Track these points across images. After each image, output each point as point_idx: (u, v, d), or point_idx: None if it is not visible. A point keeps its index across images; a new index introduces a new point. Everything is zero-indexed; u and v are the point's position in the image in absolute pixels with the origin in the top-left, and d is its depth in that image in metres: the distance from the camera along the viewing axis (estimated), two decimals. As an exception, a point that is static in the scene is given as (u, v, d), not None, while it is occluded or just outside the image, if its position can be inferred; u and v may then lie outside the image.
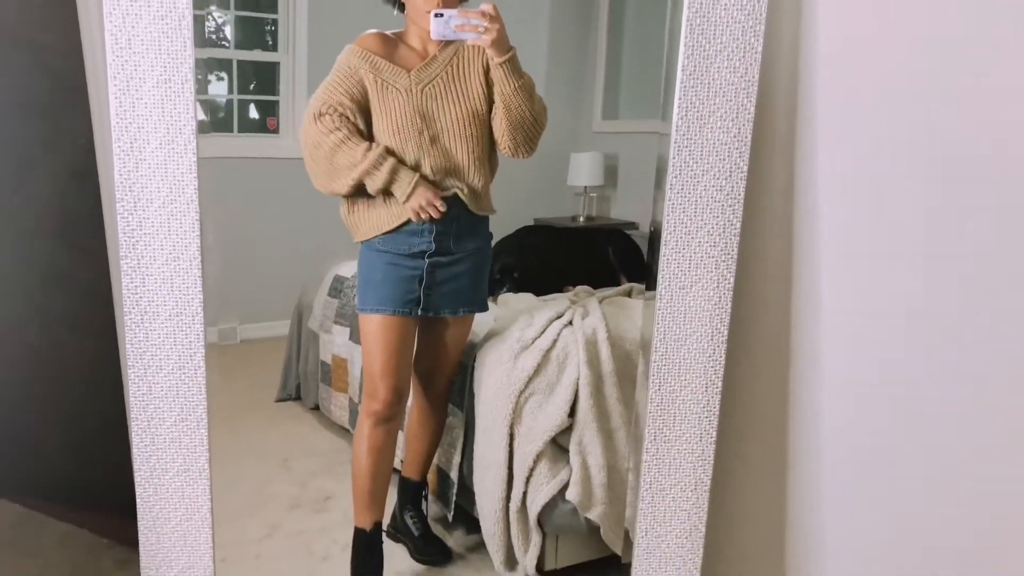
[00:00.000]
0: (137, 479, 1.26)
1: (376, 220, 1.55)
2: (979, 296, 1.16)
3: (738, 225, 1.26)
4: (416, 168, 1.51)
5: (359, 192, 1.54)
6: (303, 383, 2.02)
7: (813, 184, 1.31)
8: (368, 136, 1.52)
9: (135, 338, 1.22)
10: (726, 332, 1.28)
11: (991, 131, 1.12)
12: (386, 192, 1.52)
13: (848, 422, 1.33)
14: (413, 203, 1.51)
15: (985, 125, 1.12)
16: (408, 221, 1.54)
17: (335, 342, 1.91)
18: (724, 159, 1.24)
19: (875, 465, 1.30)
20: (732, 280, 1.26)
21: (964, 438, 1.20)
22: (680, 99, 1.22)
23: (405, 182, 1.50)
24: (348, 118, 1.50)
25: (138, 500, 1.26)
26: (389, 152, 1.50)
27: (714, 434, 1.32)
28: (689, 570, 1.35)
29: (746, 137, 1.23)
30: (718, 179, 1.24)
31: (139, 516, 1.27)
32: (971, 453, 1.20)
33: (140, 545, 1.28)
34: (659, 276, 1.26)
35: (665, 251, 1.26)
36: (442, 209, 1.52)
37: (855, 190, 1.27)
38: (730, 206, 1.25)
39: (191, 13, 1.16)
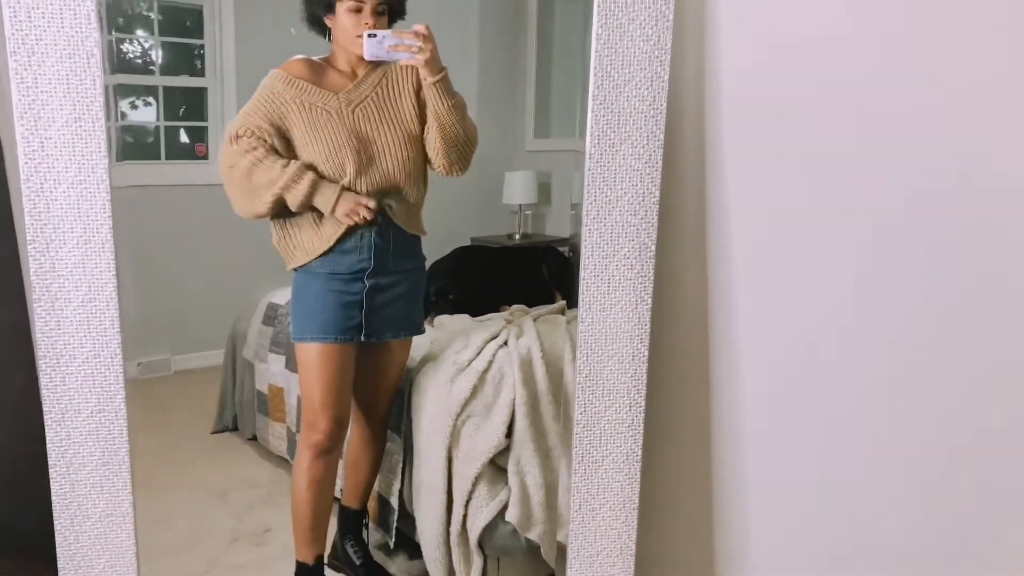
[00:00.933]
0: (57, 526, 1.22)
1: (311, 243, 1.54)
2: (884, 301, 1.21)
3: (653, 248, 1.29)
4: (351, 189, 1.50)
5: (283, 214, 1.52)
6: (239, 414, 1.98)
7: (724, 206, 1.34)
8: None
9: (51, 382, 1.19)
10: (647, 352, 1.31)
11: (892, 147, 1.17)
12: (310, 207, 1.50)
13: (768, 433, 1.37)
14: (341, 210, 1.50)
15: (886, 141, 1.18)
16: (344, 236, 1.52)
17: (271, 371, 1.88)
18: (637, 185, 1.27)
19: (798, 474, 1.34)
20: (649, 301, 1.29)
21: (874, 436, 1.25)
22: (592, 127, 1.24)
23: (328, 192, 1.49)
24: (264, 140, 1.48)
25: (58, 549, 1.23)
26: (308, 167, 1.49)
27: (640, 452, 1.34)
28: (621, 587, 1.37)
29: (657, 163, 1.26)
30: (632, 204, 1.27)
31: (59, 564, 1.23)
32: (881, 450, 1.25)
33: (61, 594, 1.25)
34: (579, 301, 1.28)
35: (584, 274, 1.28)
36: (372, 206, 1.51)
37: (764, 210, 1.31)
38: (644, 230, 1.28)
39: (100, 49, 1.15)
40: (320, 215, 1.52)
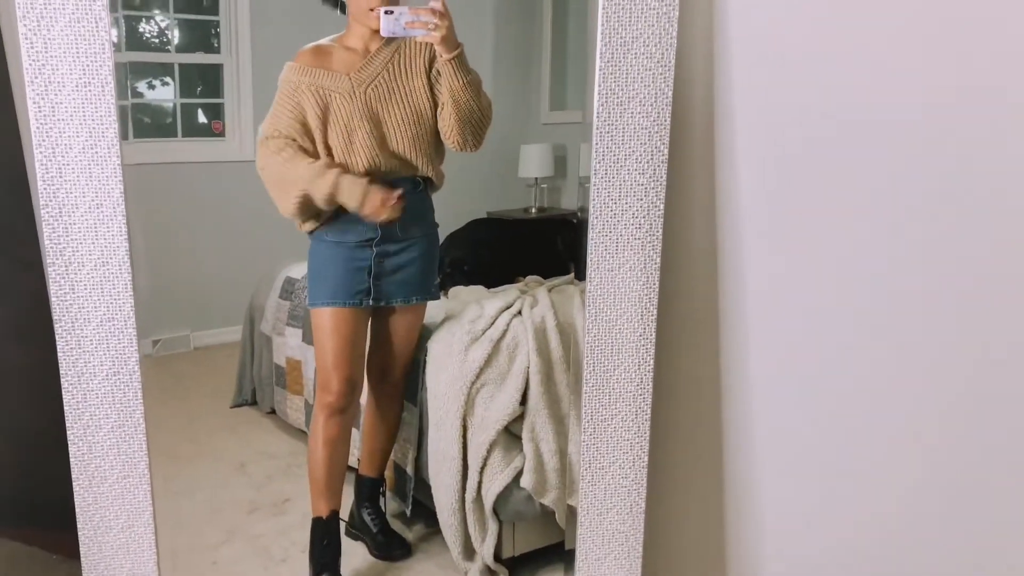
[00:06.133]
0: (76, 488, 1.25)
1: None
2: (905, 275, 1.19)
3: (661, 208, 1.28)
4: (369, 174, 1.53)
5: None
6: (258, 387, 2.01)
7: (733, 164, 1.33)
8: (327, 153, 1.54)
9: (67, 345, 1.21)
10: (655, 312, 1.31)
11: (901, 107, 1.16)
12: (336, 205, 1.53)
13: (777, 392, 1.36)
14: (368, 209, 1.53)
15: (903, 98, 1.16)
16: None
17: (288, 344, 1.90)
18: (645, 143, 1.26)
19: (803, 432, 1.34)
20: (658, 261, 1.29)
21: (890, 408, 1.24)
22: (600, 86, 1.24)
23: (356, 190, 1.51)
24: (295, 139, 1.52)
25: (77, 509, 1.25)
26: (335, 165, 1.52)
27: (649, 411, 1.34)
28: (632, 546, 1.37)
29: (665, 121, 1.25)
30: (640, 163, 1.27)
31: (79, 525, 1.26)
32: (898, 429, 1.23)
33: (82, 556, 1.27)
34: (588, 260, 1.28)
35: (592, 235, 1.28)
36: (396, 204, 1.54)
37: (774, 169, 1.30)
38: (653, 189, 1.27)
39: (108, 14, 1.16)
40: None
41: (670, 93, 1.25)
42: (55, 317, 1.20)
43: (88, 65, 1.16)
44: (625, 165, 1.26)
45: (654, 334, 1.31)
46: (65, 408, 1.24)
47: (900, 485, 1.24)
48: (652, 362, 1.32)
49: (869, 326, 1.23)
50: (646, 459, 1.34)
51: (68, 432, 1.24)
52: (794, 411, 1.34)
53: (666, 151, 1.27)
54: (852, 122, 1.20)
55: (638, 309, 1.31)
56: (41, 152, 1.17)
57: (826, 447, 1.31)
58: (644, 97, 1.25)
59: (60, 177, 1.18)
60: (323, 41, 1.56)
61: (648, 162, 1.27)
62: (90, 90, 1.16)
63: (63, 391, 1.23)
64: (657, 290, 1.30)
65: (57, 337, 1.21)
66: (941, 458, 1.19)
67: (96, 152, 1.18)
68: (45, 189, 1.18)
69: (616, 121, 1.25)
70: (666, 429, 1.48)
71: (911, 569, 1.25)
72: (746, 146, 1.31)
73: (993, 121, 1.08)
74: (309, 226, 1.59)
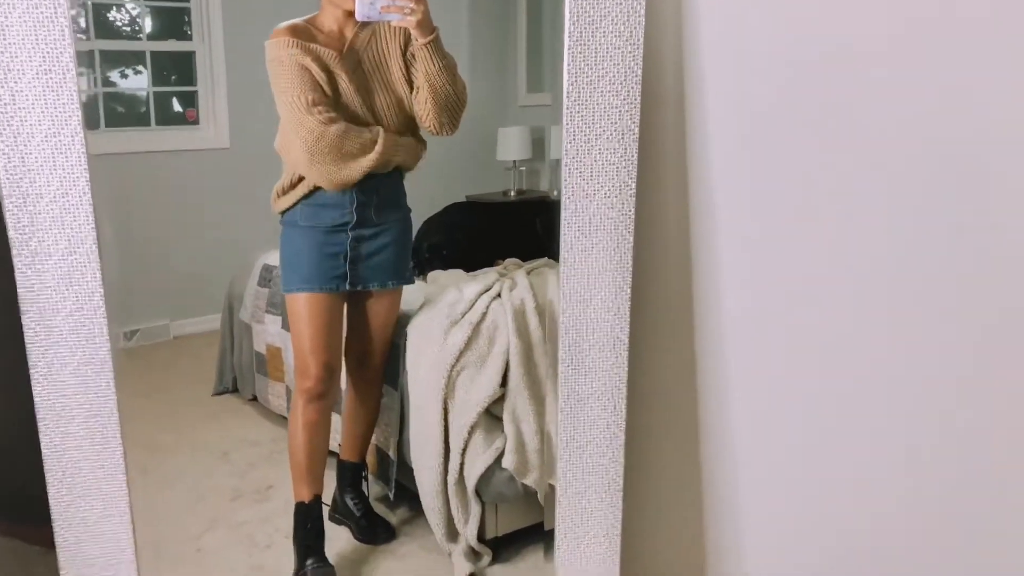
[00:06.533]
0: (49, 479, 1.24)
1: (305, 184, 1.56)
2: (877, 246, 1.20)
3: (633, 186, 1.28)
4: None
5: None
6: (239, 375, 2.01)
7: (704, 140, 1.33)
8: None
9: (35, 336, 1.20)
10: (629, 290, 1.31)
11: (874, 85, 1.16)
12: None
13: (752, 365, 1.37)
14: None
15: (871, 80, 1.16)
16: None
17: (268, 331, 1.90)
18: (615, 122, 1.26)
19: (780, 404, 1.35)
20: (631, 239, 1.29)
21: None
22: (568, 66, 1.23)
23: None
24: (331, 108, 1.50)
25: (51, 500, 1.25)
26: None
27: (624, 388, 1.35)
28: (610, 524, 1.39)
29: (635, 99, 1.25)
30: (611, 142, 1.26)
31: (53, 516, 1.25)
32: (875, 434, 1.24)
33: (57, 547, 1.26)
34: (561, 240, 1.28)
35: (565, 215, 1.28)
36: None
37: (746, 143, 1.30)
38: (624, 168, 1.27)
39: (67, 1, 1.14)
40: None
41: (639, 71, 1.24)
42: (22, 308, 1.19)
43: (48, 52, 1.14)
44: (596, 144, 1.26)
45: (628, 311, 1.32)
46: (35, 399, 1.23)
47: (877, 463, 1.26)
48: (627, 339, 1.33)
49: (843, 300, 1.24)
50: (623, 436, 1.35)
51: (39, 423, 1.23)
52: (770, 384, 1.35)
53: (637, 129, 1.26)
54: (828, 96, 1.20)
55: (612, 287, 1.31)
56: (2, 141, 1.15)
57: (802, 420, 1.32)
58: (614, 76, 1.24)
59: (23, 166, 1.17)
60: (296, 21, 1.53)
61: (619, 141, 1.26)
62: (51, 77, 1.15)
63: (32, 383, 1.22)
64: (631, 268, 1.31)
65: (25, 328, 1.20)
66: (919, 449, 1.21)
67: (60, 140, 1.16)
68: (8, 179, 1.16)
69: (586, 100, 1.24)
70: (642, 406, 1.49)
71: (890, 540, 1.27)
72: (717, 122, 1.31)
73: (978, 108, 1.08)
74: (287, 202, 1.58)
